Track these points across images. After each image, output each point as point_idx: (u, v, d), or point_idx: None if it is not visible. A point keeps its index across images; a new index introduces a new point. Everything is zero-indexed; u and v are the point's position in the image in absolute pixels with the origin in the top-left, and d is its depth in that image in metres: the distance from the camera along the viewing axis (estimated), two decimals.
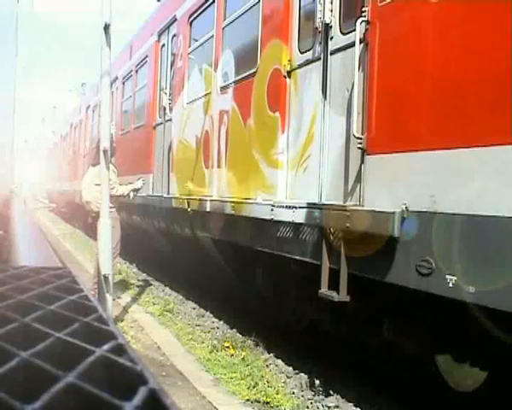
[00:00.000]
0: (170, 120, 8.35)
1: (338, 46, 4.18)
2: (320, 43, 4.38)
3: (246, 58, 5.94)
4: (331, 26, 4.26)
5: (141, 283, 9.23)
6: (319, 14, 4.32)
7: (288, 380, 4.82)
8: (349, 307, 4.05)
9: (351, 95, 3.80)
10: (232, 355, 5.37)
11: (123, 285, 8.92)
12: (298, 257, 4.50)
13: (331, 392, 4.48)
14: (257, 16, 5.42)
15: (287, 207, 4.50)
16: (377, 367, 4.69)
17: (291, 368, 5.09)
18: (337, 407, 4.25)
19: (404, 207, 3.21)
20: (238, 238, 5.81)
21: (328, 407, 4.25)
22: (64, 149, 25.55)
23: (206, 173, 6.59)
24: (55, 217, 27.59)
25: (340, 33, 4.18)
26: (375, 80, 3.59)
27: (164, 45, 9.14)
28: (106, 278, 5.40)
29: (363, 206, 3.64)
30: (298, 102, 4.68)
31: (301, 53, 4.69)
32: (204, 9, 7.16)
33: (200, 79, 7.23)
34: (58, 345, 0.71)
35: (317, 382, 4.69)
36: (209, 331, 6.33)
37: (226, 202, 5.80)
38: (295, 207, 4.37)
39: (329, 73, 4.26)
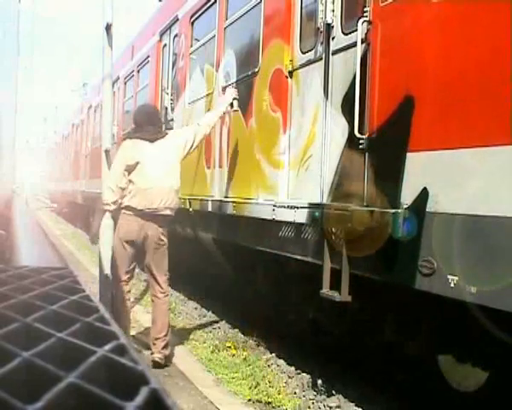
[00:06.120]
0: (172, 120, 8.34)
1: (339, 46, 4.17)
2: (322, 43, 4.38)
3: (247, 58, 5.94)
4: (333, 27, 4.26)
5: (142, 283, 9.23)
6: (321, 15, 4.31)
7: (290, 380, 4.82)
8: (350, 307, 4.04)
9: (352, 95, 3.80)
10: (234, 355, 5.37)
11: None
12: (299, 257, 4.49)
13: (333, 392, 4.47)
14: (259, 16, 5.42)
15: (288, 207, 4.50)
16: (379, 367, 4.69)
17: (293, 368, 5.09)
18: (339, 407, 4.25)
19: (405, 207, 3.21)
20: (239, 238, 5.81)
21: (330, 407, 4.25)
22: (66, 149, 25.57)
23: (208, 173, 6.59)
24: (56, 217, 27.63)
25: (341, 33, 4.18)
26: (376, 80, 3.59)
27: (165, 45, 9.14)
28: (107, 277, 5.41)
29: (364, 206, 3.64)
30: (299, 102, 4.68)
31: (303, 53, 4.69)
32: (206, 9, 7.16)
33: (201, 79, 7.22)
34: (60, 345, 0.71)
35: (319, 382, 4.68)
36: (211, 331, 6.33)
37: (227, 202, 5.80)
38: (297, 208, 4.37)
39: (331, 73, 4.25)
